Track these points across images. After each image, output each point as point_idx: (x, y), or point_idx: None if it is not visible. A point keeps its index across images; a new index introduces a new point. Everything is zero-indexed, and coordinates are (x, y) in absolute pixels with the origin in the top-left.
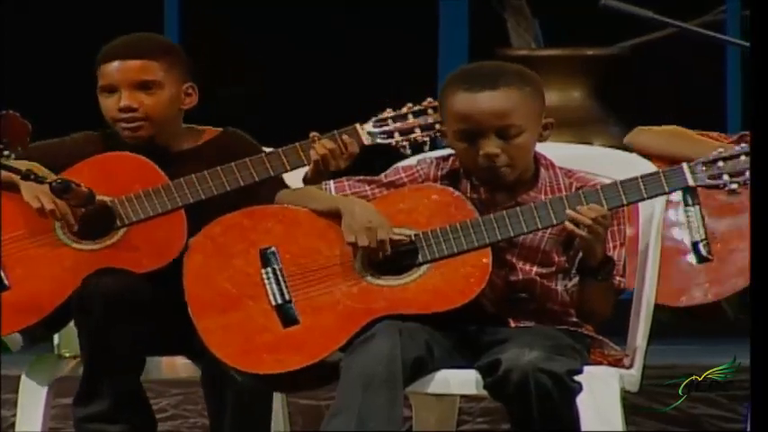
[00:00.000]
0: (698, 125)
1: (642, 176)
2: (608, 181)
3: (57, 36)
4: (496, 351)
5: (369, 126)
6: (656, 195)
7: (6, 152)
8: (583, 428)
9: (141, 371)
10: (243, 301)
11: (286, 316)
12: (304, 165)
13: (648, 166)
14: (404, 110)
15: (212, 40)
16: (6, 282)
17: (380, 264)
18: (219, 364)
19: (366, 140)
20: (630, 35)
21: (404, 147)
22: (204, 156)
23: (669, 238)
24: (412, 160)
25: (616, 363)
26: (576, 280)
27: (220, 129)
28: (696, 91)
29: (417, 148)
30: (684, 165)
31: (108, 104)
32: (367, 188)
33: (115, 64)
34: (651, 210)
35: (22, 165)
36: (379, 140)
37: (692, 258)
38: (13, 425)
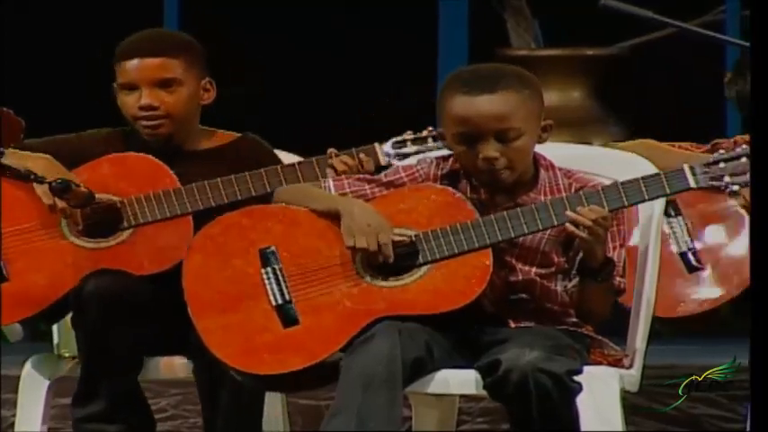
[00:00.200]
0: (697, 125)
1: (643, 178)
2: (608, 181)
3: (57, 36)
4: (496, 351)
5: (387, 146)
6: (657, 197)
7: (0, 149)
8: (582, 428)
9: (139, 371)
10: (243, 302)
11: (286, 316)
12: (318, 179)
13: (649, 167)
14: (424, 133)
15: (212, 40)
16: (5, 273)
17: (380, 264)
18: (218, 364)
19: (383, 161)
20: (630, 35)
21: None
22: (219, 159)
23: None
24: (412, 160)
25: (616, 363)
26: (575, 281)
27: (239, 133)
28: (696, 91)
29: None
30: (686, 166)
31: (128, 102)
32: (366, 187)
33: (135, 61)
34: (651, 211)
35: (31, 161)
36: (395, 162)
37: (683, 269)
38: (12, 425)
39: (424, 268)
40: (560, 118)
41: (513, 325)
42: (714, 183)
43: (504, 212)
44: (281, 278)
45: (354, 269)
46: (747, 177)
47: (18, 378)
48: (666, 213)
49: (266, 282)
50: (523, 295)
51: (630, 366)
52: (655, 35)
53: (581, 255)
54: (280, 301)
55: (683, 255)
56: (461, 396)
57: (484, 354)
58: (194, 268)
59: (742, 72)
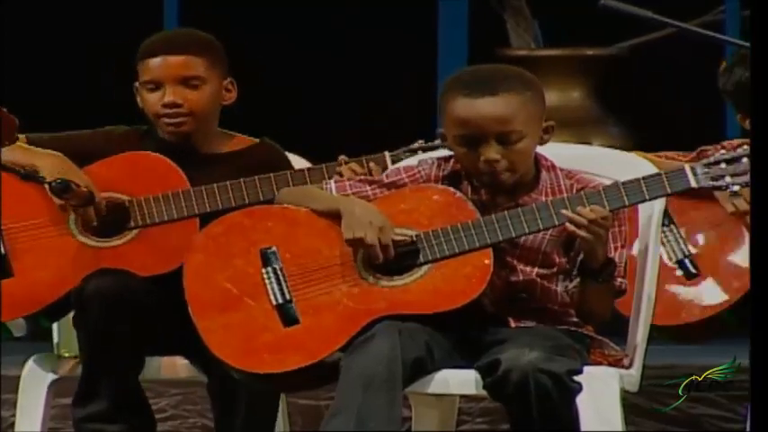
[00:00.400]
0: (697, 125)
1: (644, 177)
2: (608, 182)
3: (57, 35)
4: (496, 351)
5: (398, 156)
6: (658, 197)
7: None
8: (582, 428)
9: (141, 371)
10: (243, 301)
11: (286, 316)
12: None
13: (649, 167)
14: (436, 141)
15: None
16: (11, 269)
17: (381, 264)
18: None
19: None
20: (630, 35)
21: None
22: (235, 164)
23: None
24: (413, 161)
25: (616, 363)
26: (576, 281)
27: (256, 139)
28: (696, 91)
29: None
30: (686, 166)
31: (151, 99)
32: (368, 188)
33: (159, 59)
34: (650, 210)
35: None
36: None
37: (681, 276)
38: (12, 425)
39: (425, 268)
40: (560, 118)
41: (513, 325)
42: (714, 183)
43: (505, 212)
44: (281, 278)
45: (355, 269)
46: (748, 177)
47: (18, 378)
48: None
49: (267, 281)
50: (524, 295)
51: (630, 366)
52: (654, 35)
53: (582, 255)
54: (280, 301)
55: (680, 262)
56: (461, 396)
57: (484, 354)
58: (195, 268)
59: (738, 64)
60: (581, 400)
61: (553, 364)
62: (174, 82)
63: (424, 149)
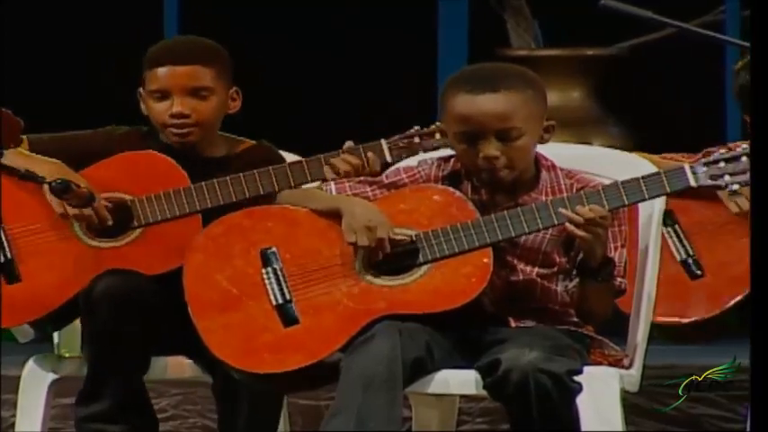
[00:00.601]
0: (697, 125)
1: (643, 177)
2: (608, 181)
3: (57, 36)
4: (496, 351)
5: (394, 143)
6: (658, 196)
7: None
8: (583, 428)
9: (146, 371)
10: (243, 301)
11: (286, 316)
12: (326, 177)
13: (649, 167)
14: (432, 127)
15: (212, 40)
16: (18, 273)
17: (381, 264)
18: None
19: (389, 158)
20: (630, 35)
21: None
22: (234, 166)
23: (667, 259)
24: (413, 161)
25: (616, 363)
26: (576, 280)
27: (254, 141)
28: (696, 91)
29: None
30: (686, 165)
31: (158, 108)
32: (368, 189)
33: (166, 69)
34: (651, 210)
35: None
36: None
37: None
38: (13, 425)
39: (425, 268)
40: (560, 118)
41: (513, 324)
42: (714, 182)
43: (505, 212)
44: (281, 278)
45: (355, 269)
46: (747, 177)
47: (18, 378)
48: (662, 222)
49: (266, 281)
50: (524, 295)
51: (630, 366)
52: (654, 35)
53: (581, 254)
54: (280, 301)
55: (683, 262)
56: (461, 396)
57: (484, 354)
58: (195, 268)
59: (744, 67)
60: (581, 401)
61: (553, 364)
62: (183, 92)
63: (421, 136)
